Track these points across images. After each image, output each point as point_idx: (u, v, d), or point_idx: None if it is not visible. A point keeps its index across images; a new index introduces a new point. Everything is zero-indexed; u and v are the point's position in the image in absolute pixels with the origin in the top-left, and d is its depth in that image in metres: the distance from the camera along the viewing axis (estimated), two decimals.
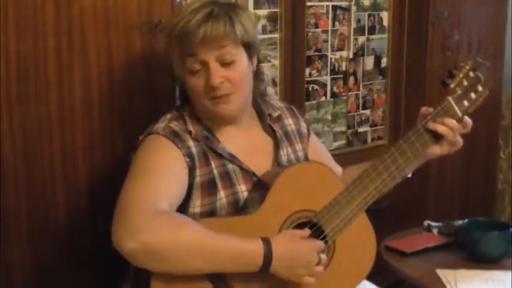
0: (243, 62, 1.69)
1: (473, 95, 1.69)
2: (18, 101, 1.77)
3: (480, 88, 1.69)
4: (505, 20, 3.24)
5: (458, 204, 3.17)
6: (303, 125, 1.92)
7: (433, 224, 2.31)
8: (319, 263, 1.60)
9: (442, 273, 1.99)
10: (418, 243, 2.18)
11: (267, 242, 1.53)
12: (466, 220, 2.18)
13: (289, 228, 1.63)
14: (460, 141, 1.72)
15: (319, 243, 1.62)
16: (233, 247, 1.50)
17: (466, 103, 1.69)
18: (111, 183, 1.92)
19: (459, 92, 1.68)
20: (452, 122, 1.68)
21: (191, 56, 1.66)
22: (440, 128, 1.68)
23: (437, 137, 1.70)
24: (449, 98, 1.68)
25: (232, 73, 1.67)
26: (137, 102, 1.98)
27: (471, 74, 1.68)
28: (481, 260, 2.07)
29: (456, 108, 1.68)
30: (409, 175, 1.78)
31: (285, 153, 1.81)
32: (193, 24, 1.63)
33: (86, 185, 1.92)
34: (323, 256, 1.61)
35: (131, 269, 1.70)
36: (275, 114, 1.85)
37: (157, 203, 1.52)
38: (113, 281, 1.85)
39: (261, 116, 1.83)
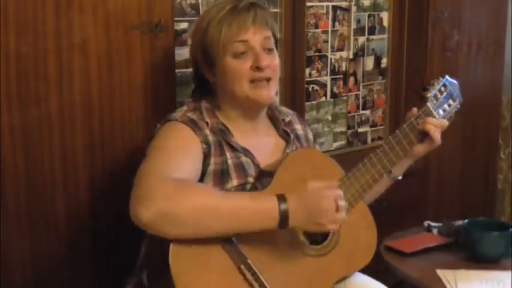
0: (276, 52, 1.77)
1: (446, 107, 1.89)
2: (18, 100, 1.78)
3: (452, 102, 1.90)
4: (505, 20, 3.24)
5: (458, 204, 3.17)
6: (310, 132, 1.97)
7: (433, 224, 2.30)
8: (338, 210, 1.57)
9: (442, 273, 1.99)
10: (418, 243, 2.18)
11: (281, 196, 1.53)
12: (466, 220, 2.18)
13: None
14: (439, 138, 1.84)
15: (337, 192, 1.59)
16: (248, 204, 1.51)
17: (441, 112, 1.87)
18: (111, 182, 1.93)
19: (435, 102, 1.87)
20: (434, 120, 1.83)
21: (239, 38, 1.69)
22: (426, 126, 1.81)
23: (421, 137, 1.84)
24: (428, 104, 1.85)
25: (272, 59, 1.74)
26: (137, 102, 1.98)
27: (442, 89, 1.88)
28: (481, 260, 2.06)
29: (434, 113, 1.84)
30: (400, 177, 1.95)
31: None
32: (242, 8, 1.70)
33: (86, 184, 1.92)
34: (342, 203, 1.57)
35: (138, 265, 1.71)
36: (287, 119, 1.90)
37: (169, 174, 1.52)
38: (113, 280, 1.85)
39: (275, 121, 1.87)
